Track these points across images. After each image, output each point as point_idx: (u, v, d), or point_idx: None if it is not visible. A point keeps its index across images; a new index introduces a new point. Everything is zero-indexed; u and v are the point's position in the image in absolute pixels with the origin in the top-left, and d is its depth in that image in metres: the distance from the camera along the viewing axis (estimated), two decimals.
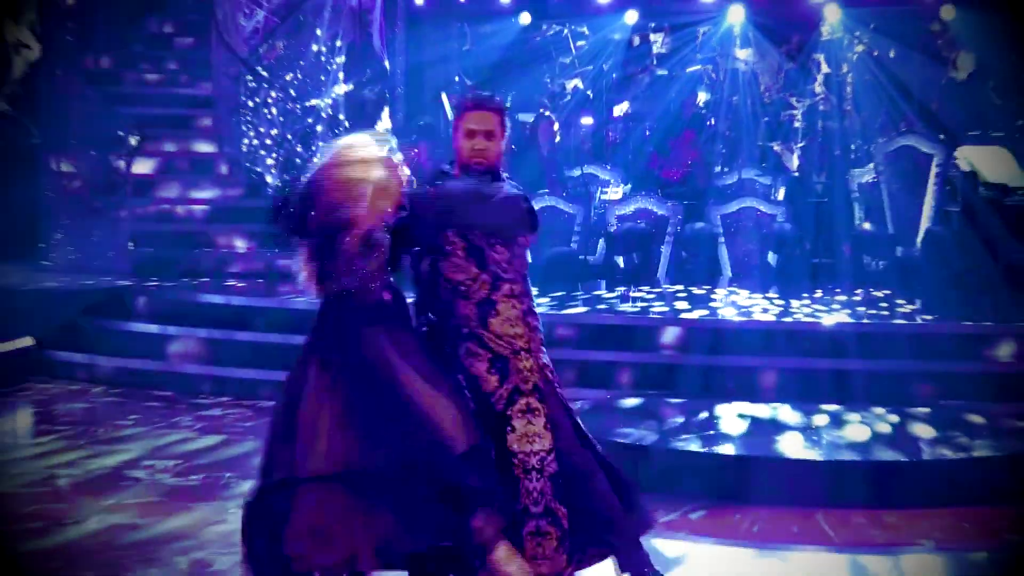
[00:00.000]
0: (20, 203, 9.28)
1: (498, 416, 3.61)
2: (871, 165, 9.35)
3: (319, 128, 8.99)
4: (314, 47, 9.52)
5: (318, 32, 9.50)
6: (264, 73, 9.46)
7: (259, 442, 3.94)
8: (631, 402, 6.49)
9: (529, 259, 3.76)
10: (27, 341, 7.81)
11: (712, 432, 5.58)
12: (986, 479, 5.06)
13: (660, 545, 4.27)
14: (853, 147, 10.24)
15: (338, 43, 9.51)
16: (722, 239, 8.99)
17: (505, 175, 3.77)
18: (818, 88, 11.01)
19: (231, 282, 8.68)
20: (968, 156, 8.89)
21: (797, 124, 10.81)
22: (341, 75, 9.49)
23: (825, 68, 11.12)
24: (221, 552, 4.29)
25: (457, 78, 11.65)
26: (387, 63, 9.95)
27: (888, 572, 4.31)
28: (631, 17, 11.60)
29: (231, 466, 5.62)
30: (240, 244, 9.26)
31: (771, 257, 8.89)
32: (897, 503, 4.96)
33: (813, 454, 5.28)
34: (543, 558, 3.66)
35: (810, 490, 5.01)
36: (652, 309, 7.80)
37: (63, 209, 9.24)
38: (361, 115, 9.27)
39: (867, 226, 9.20)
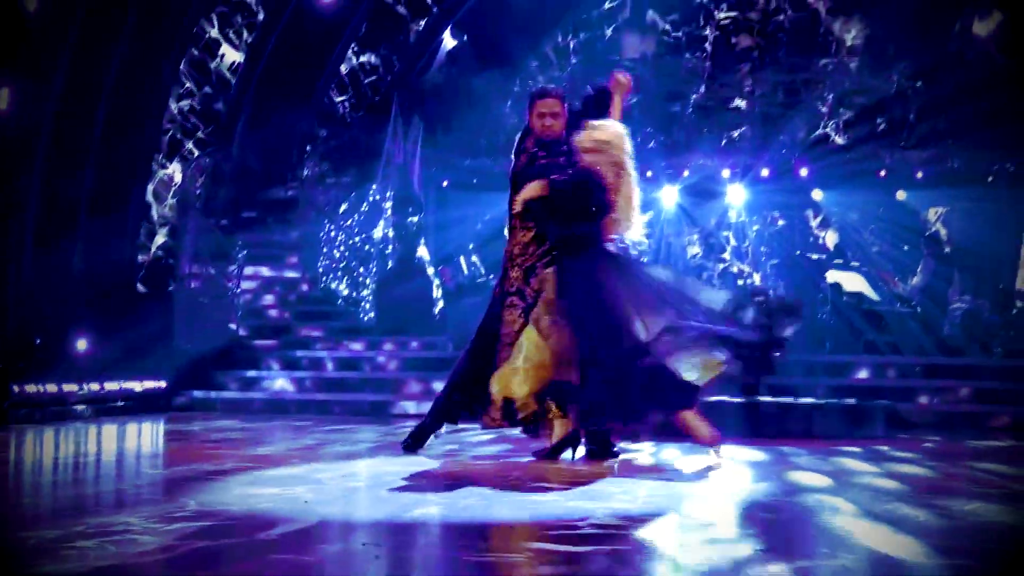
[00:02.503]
0: (158, 304, 12.90)
1: None
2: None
3: (373, 250, 12.89)
4: (370, 196, 13.58)
5: (373, 187, 13.57)
6: (334, 222, 13.44)
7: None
8: None
9: None
10: (161, 383, 11.25)
11: None
12: None
13: None
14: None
15: (388, 193, 13.55)
16: None
17: None
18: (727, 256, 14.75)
19: (309, 353, 12.27)
20: (834, 276, 12.76)
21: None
22: (389, 211, 13.47)
23: (732, 242, 14.92)
24: None
25: (471, 244, 15.47)
26: (422, 197, 13.93)
27: None
28: None
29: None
30: (315, 333, 12.88)
31: None
32: None
33: None
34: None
35: None
36: None
37: (186, 307, 12.84)
38: (405, 241, 13.18)
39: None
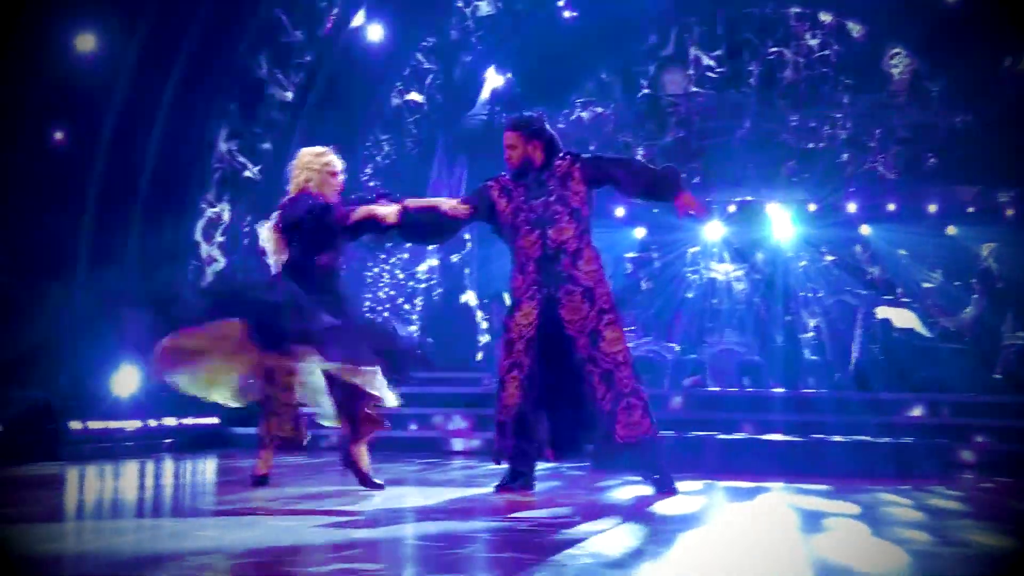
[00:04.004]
0: None
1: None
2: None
3: (418, 288, 13.01)
4: None
5: None
6: (379, 261, 13.60)
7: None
8: None
9: None
10: (214, 419, 11.41)
11: None
12: None
13: None
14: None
15: None
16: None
17: None
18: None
19: None
20: (884, 312, 12.63)
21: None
22: (434, 249, 13.60)
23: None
24: None
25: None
26: (467, 236, 14.04)
27: None
28: (640, 232, 15.38)
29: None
30: None
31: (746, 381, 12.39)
32: None
33: None
34: (633, 424, 5.70)
35: None
36: None
37: None
38: (449, 278, 13.30)
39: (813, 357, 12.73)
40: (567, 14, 14.03)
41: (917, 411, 10.56)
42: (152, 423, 9.83)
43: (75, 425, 8.92)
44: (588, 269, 5.86)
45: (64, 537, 4.52)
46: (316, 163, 6.36)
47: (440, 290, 13.42)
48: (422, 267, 13.58)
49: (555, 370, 5.87)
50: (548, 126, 6.05)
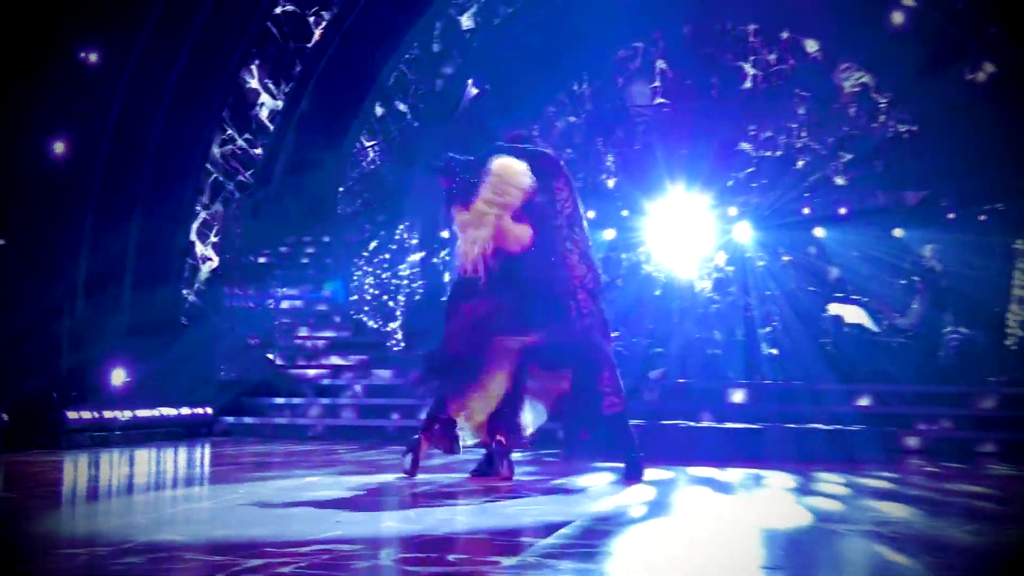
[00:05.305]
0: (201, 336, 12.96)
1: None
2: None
3: (401, 285, 13.00)
4: (398, 235, 13.72)
5: (401, 226, 13.71)
6: (365, 259, 13.59)
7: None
8: None
9: None
10: (206, 410, 11.39)
11: None
12: None
13: None
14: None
15: (415, 231, 13.70)
16: None
17: None
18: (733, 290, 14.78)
19: (341, 381, 12.37)
20: (835, 309, 12.77)
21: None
22: (416, 247, 13.60)
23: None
24: None
25: None
26: (447, 235, 14.06)
27: None
28: (608, 234, 15.47)
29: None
30: (347, 362, 12.97)
31: None
32: None
33: None
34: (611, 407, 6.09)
35: None
36: None
37: (227, 339, 12.99)
38: (431, 275, 13.32)
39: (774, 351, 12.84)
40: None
41: (865, 401, 10.68)
42: (143, 413, 9.76)
43: (72, 415, 8.88)
44: None
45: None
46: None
47: (421, 284, 13.43)
48: (403, 267, 13.57)
49: None
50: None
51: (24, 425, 8.42)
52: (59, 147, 9.46)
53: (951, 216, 13.31)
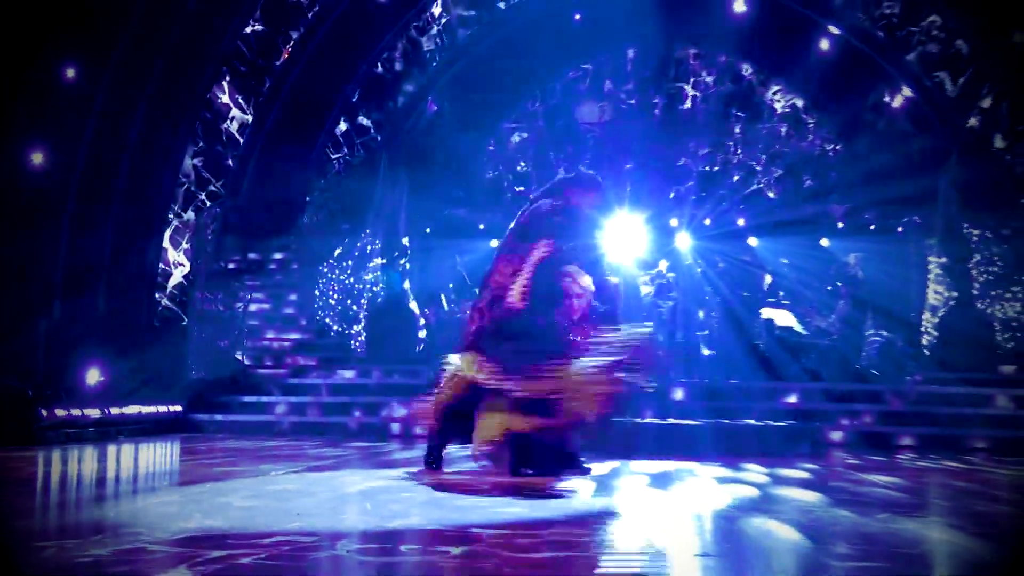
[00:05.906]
0: (173, 338, 12.83)
1: None
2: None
3: (364, 290, 12.96)
4: (361, 243, 13.67)
5: (364, 234, 13.67)
6: (329, 265, 13.53)
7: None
8: None
9: None
10: (176, 407, 11.22)
11: None
12: None
13: None
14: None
15: (377, 240, 13.66)
16: None
17: None
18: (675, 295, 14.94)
19: (306, 380, 12.28)
20: (767, 313, 12.94)
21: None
22: (379, 255, 13.56)
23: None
24: None
25: (451, 284, 15.57)
26: (407, 242, 14.06)
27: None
28: None
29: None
30: (311, 362, 12.88)
31: None
32: None
33: None
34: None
35: None
36: None
37: (197, 340, 12.82)
38: (391, 283, 13.30)
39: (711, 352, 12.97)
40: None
41: (793, 398, 10.84)
42: (116, 411, 9.62)
43: (58, 412, 8.73)
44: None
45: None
46: None
47: (382, 289, 13.40)
48: (368, 275, 13.52)
49: None
50: None
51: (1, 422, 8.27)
52: (37, 157, 9.33)
53: (872, 227, 13.59)
